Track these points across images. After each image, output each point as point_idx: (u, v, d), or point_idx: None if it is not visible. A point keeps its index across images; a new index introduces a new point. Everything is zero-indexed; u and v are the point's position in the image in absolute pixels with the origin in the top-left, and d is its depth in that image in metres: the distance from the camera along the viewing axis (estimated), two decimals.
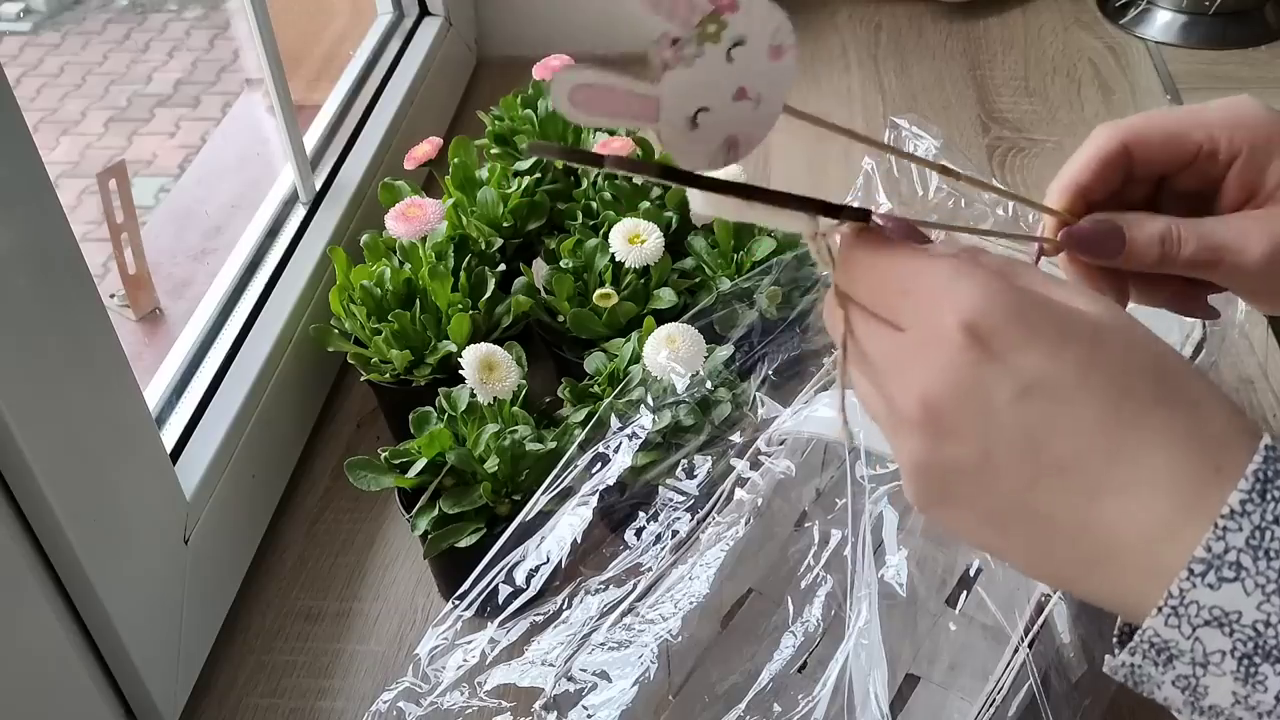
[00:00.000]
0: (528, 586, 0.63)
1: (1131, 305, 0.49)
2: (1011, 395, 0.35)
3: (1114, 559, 0.35)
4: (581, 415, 0.74)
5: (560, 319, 0.85)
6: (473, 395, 0.72)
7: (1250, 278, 0.46)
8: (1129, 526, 0.35)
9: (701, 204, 0.38)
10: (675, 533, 0.66)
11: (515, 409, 0.75)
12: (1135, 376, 0.35)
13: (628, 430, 0.68)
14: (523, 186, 0.93)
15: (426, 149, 0.90)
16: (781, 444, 0.68)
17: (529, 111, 0.99)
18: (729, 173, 0.40)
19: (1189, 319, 0.63)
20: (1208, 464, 0.34)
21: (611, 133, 0.96)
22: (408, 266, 0.85)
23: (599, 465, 0.67)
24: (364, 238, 0.88)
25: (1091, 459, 0.35)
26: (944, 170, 0.47)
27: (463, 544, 0.70)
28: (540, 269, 0.87)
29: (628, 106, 0.35)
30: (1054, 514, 0.36)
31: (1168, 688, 0.35)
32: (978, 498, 0.37)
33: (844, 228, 0.39)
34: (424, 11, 1.23)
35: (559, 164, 0.96)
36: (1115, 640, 0.37)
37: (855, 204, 0.74)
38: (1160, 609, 0.34)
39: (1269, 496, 0.33)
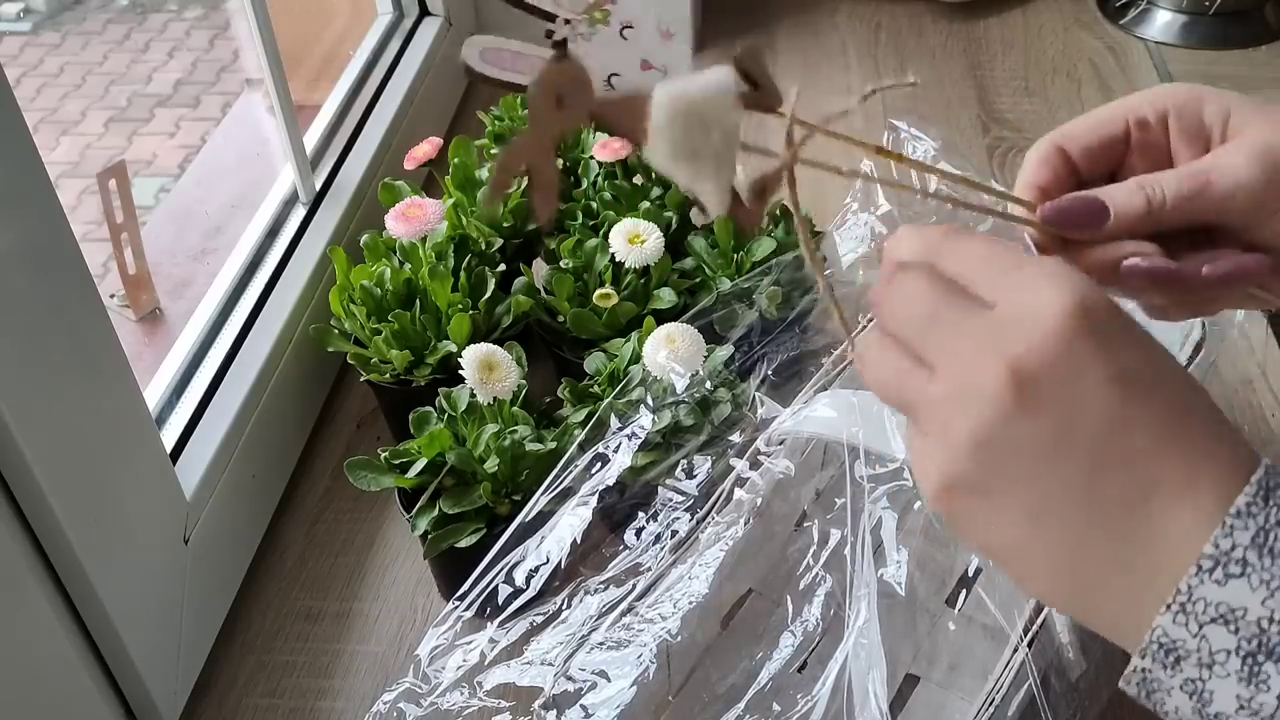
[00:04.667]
0: (528, 587, 0.63)
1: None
2: (1105, 376, 0.36)
3: (1144, 555, 0.36)
4: (581, 415, 0.74)
5: (560, 319, 0.85)
6: (473, 395, 0.73)
7: (1246, 195, 0.45)
8: (1171, 525, 0.36)
9: (661, 158, 0.40)
10: (675, 533, 0.66)
11: (515, 409, 0.75)
12: (1190, 394, 0.38)
13: (627, 430, 0.68)
14: (523, 186, 0.93)
15: (426, 149, 0.90)
16: (781, 444, 0.68)
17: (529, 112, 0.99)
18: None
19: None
20: (1239, 474, 0.36)
21: (610, 133, 0.96)
22: (408, 266, 0.85)
23: (599, 465, 0.67)
24: (364, 238, 0.88)
25: (1157, 457, 0.36)
26: (940, 173, 0.47)
27: (463, 544, 0.70)
28: (540, 269, 0.87)
29: (531, 67, 0.39)
30: (1105, 504, 0.36)
31: (1177, 694, 0.36)
32: (1032, 481, 0.37)
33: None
34: (424, 11, 1.23)
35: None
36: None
37: (855, 207, 0.74)
38: (1169, 606, 0.35)
39: (1271, 502, 0.35)
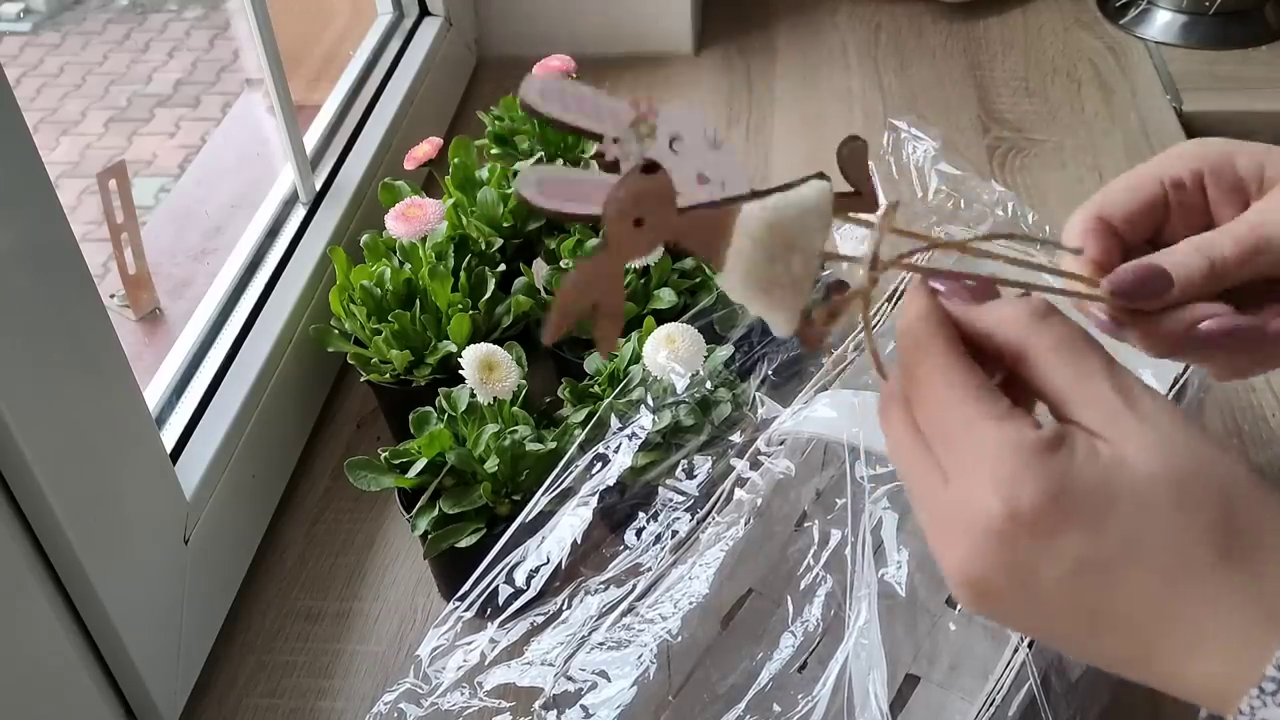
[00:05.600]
0: (528, 587, 0.63)
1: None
2: (1059, 574, 0.35)
3: (1176, 691, 0.35)
4: (581, 415, 0.74)
5: None
6: (473, 395, 0.72)
7: None
8: (1184, 680, 0.34)
9: (736, 286, 0.39)
10: (675, 533, 0.66)
11: (515, 409, 0.75)
12: (1189, 538, 0.34)
13: (628, 430, 0.68)
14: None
15: (426, 149, 0.90)
16: (781, 444, 0.68)
17: None
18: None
19: None
20: (1268, 622, 0.33)
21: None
22: (408, 266, 0.85)
23: (599, 465, 0.67)
24: (364, 238, 0.88)
25: (1146, 625, 0.34)
26: (1023, 263, 0.46)
27: (463, 544, 0.70)
28: (540, 269, 0.87)
29: (593, 194, 0.36)
30: (1113, 658, 0.36)
31: None
32: (1035, 634, 0.38)
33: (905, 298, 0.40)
34: (424, 11, 1.23)
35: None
36: None
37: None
38: None
39: None
